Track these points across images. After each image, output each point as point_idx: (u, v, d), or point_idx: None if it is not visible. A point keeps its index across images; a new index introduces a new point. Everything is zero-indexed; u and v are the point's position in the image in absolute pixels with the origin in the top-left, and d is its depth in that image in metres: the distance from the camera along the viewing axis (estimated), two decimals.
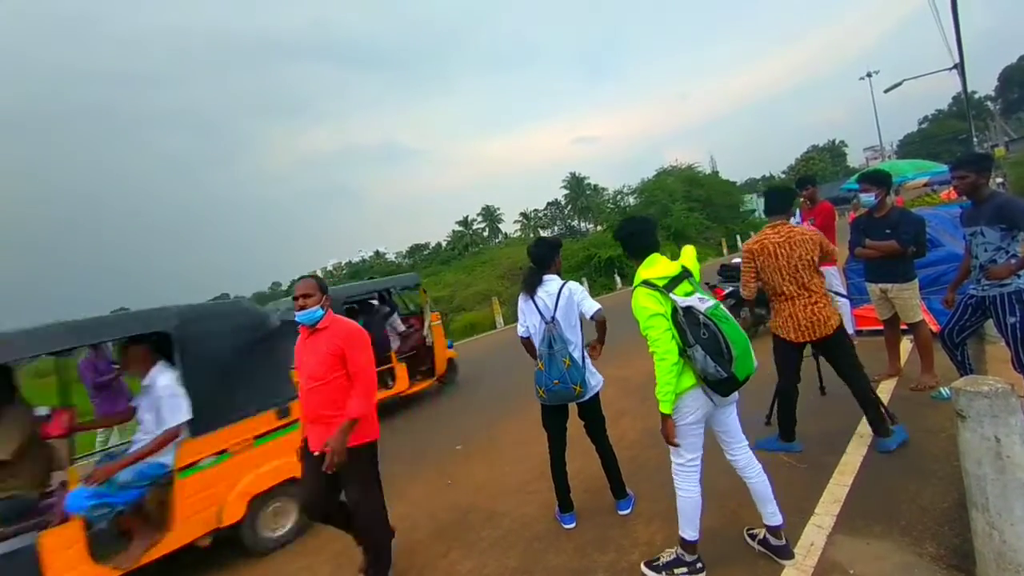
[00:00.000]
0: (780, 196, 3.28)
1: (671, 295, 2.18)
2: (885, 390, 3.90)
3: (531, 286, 2.86)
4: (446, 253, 66.99)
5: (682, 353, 2.14)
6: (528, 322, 2.90)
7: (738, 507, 2.82)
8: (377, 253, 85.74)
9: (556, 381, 2.74)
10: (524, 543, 2.93)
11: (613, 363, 5.57)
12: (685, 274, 2.29)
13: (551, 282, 2.85)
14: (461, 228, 69.12)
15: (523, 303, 2.90)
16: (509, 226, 69.91)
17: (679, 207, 30.48)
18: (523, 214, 66.92)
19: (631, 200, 35.04)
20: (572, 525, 2.98)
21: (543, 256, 2.90)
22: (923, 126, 62.45)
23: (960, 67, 14.92)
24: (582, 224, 63.57)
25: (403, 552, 3.05)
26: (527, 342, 2.97)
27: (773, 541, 2.34)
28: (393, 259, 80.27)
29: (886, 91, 22.11)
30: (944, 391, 3.66)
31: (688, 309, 2.13)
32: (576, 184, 63.25)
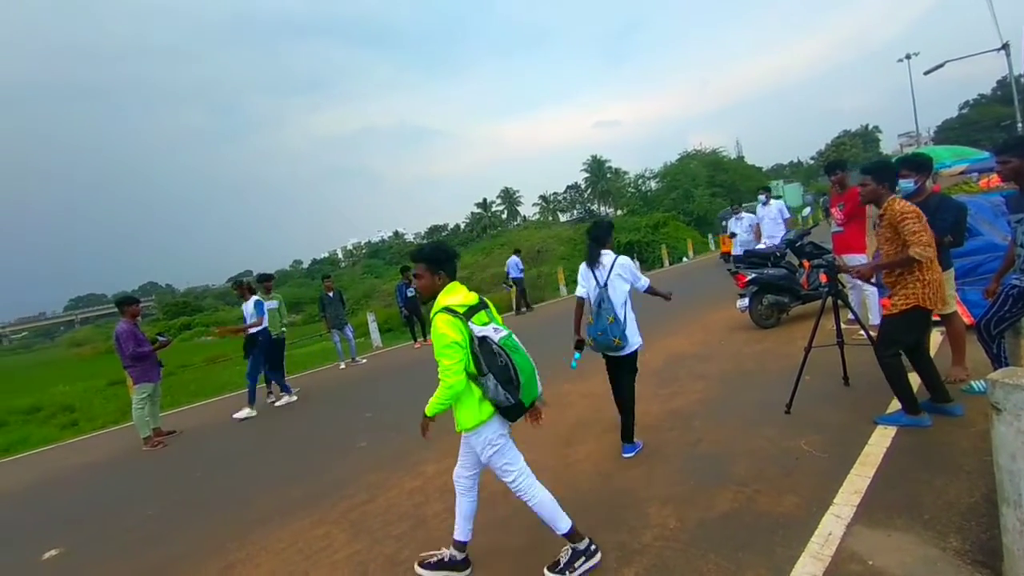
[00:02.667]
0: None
1: (469, 323, 2.30)
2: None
3: (593, 258, 3.50)
4: (464, 235, 67.09)
5: (474, 379, 2.29)
6: (587, 286, 3.53)
7: (754, 493, 2.79)
8: (396, 233, 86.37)
9: (600, 332, 3.36)
10: (536, 521, 2.93)
11: None
12: (482, 305, 2.46)
13: (606, 256, 3.48)
14: (480, 210, 68.98)
15: (584, 270, 3.54)
16: (528, 209, 69.58)
17: (702, 192, 29.84)
18: (542, 197, 66.52)
19: (652, 184, 34.41)
20: (632, 454, 3.49)
21: (601, 236, 3.55)
22: (963, 111, 59.51)
23: (1007, 47, 14.15)
24: (601, 208, 62.86)
25: (416, 527, 3.10)
26: (580, 303, 3.59)
27: (458, 556, 2.62)
28: (412, 239, 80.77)
29: (926, 73, 21.19)
30: (975, 384, 3.54)
31: (484, 339, 2.27)
32: (597, 167, 62.40)
